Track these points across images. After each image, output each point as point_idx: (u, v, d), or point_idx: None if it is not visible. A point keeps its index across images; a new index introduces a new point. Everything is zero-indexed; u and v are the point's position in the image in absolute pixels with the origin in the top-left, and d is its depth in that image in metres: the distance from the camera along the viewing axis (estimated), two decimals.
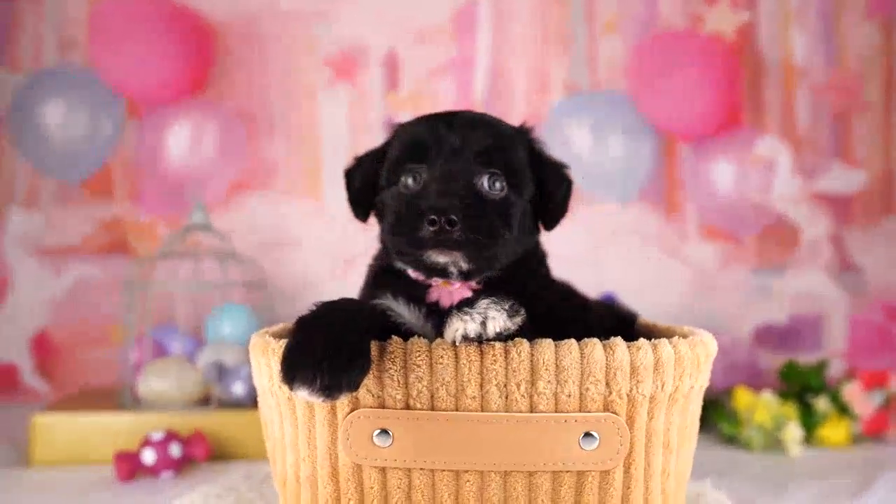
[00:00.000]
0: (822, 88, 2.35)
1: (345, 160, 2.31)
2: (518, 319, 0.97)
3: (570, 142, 2.29)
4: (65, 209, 2.29)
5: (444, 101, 2.34)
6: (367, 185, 1.21)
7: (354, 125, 2.34)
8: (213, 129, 2.27)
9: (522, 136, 1.19)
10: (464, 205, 1.02)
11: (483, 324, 0.94)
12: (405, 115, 2.31)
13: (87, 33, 2.27)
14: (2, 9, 2.29)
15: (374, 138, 2.33)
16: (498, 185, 1.10)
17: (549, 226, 1.21)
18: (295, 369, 0.91)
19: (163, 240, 2.21)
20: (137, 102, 2.28)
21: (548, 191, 1.18)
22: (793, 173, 2.32)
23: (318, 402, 0.92)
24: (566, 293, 1.31)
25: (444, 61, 2.36)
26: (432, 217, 1.00)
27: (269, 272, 2.11)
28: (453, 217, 1.00)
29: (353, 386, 0.92)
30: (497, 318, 0.94)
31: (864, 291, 2.34)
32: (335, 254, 2.30)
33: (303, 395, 0.90)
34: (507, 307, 0.96)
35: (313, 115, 2.34)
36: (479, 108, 2.33)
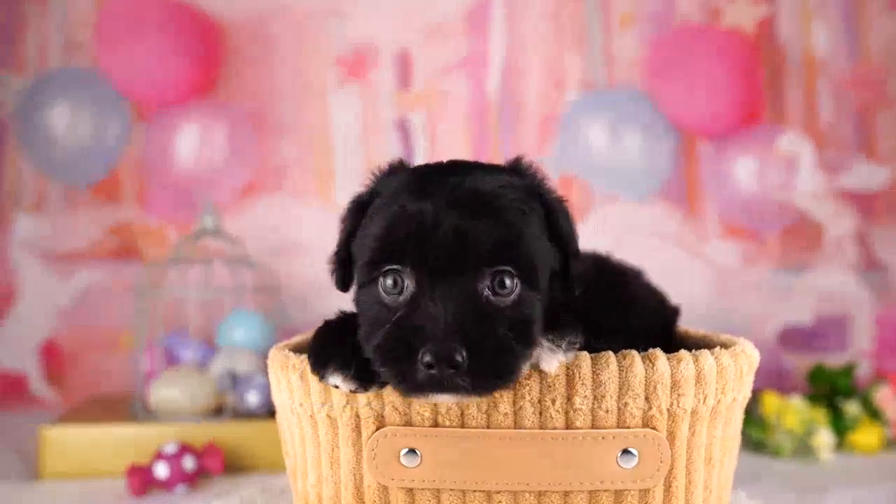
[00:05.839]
0: (845, 82, 2.29)
1: (357, 161, 2.32)
2: (574, 351, 0.90)
3: (587, 140, 2.24)
4: (72, 214, 2.25)
5: (458, 99, 2.29)
6: (341, 252, 0.99)
7: (366, 125, 2.29)
8: (223, 131, 2.23)
9: (533, 196, 0.95)
10: (468, 338, 0.83)
11: (537, 363, 0.88)
12: (418, 115, 2.29)
13: (92, 35, 2.22)
14: (6, 11, 2.24)
15: (386, 138, 2.29)
16: (508, 283, 0.88)
17: (577, 286, 0.99)
18: (328, 356, 0.88)
19: (172, 244, 2.16)
20: (145, 104, 2.24)
21: (567, 246, 0.97)
22: (815, 170, 2.26)
23: (350, 389, 0.88)
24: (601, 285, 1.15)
25: (457, 59, 2.31)
26: (428, 360, 0.81)
27: (281, 276, 2.06)
28: (457, 359, 0.81)
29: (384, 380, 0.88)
30: (552, 360, 0.87)
31: (890, 290, 2.28)
32: None
33: (336, 381, 0.88)
34: (563, 344, 0.88)
35: (324, 116, 2.30)
36: (493, 106, 2.28)
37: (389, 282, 0.89)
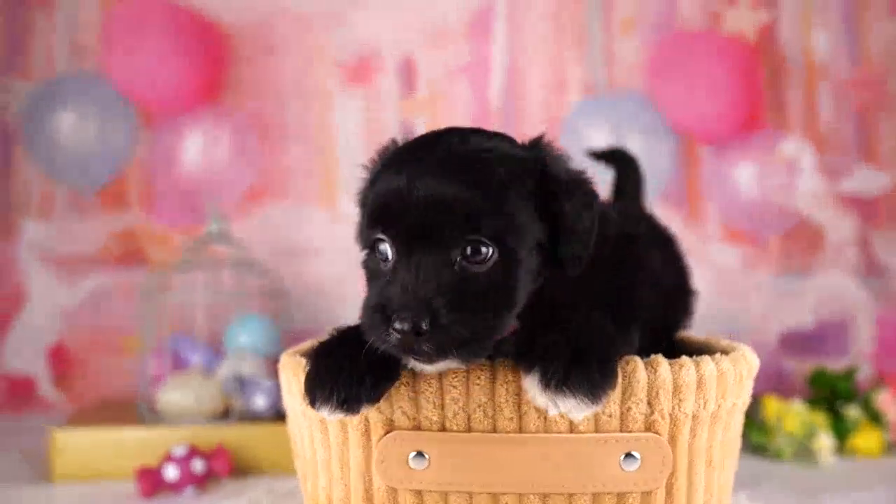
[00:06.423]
0: (846, 86, 2.31)
1: (361, 166, 2.32)
2: (608, 397, 0.87)
3: (589, 143, 2.26)
4: (79, 219, 2.27)
5: (461, 104, 2.31)
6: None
7: (370, 130, 2.31)
8: (228, 137, 2.25)
9: (525, 169, 0.91)
10: (431, 307, 0.84)
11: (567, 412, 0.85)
12: (421, 120, 2.31)
13: (99, 41, 2.25)
14: (13, 17, 2.26)
15: None
16: (483, 251, 0.87)
17: (572, 268, 0.93)
18: (314, 388, 0.89)
19: (179, 249, 2.18)
20: (150, 110, 2.25)
21: (567, 225, 0.92)
22: (816, 174, 2.28)
23: (340, 417, 0.90)
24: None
25: (460, 64, 2.33)
26: (397, 327, 0.83)
27: (287, 280, 2.08)
28: (422, 326, 0.83)
29: (374, 398, 0.89)
30: (580, 413, 0.85)
31: (891, 294, 2.30)
32: (352, 261, 2.26)
33: (325, 413, 0.89)
34: (598, 402, 0.85)
35: (328, 121, 2.31)
36: (496, 110, 2.30)
37: (381, 248, 0.92)
